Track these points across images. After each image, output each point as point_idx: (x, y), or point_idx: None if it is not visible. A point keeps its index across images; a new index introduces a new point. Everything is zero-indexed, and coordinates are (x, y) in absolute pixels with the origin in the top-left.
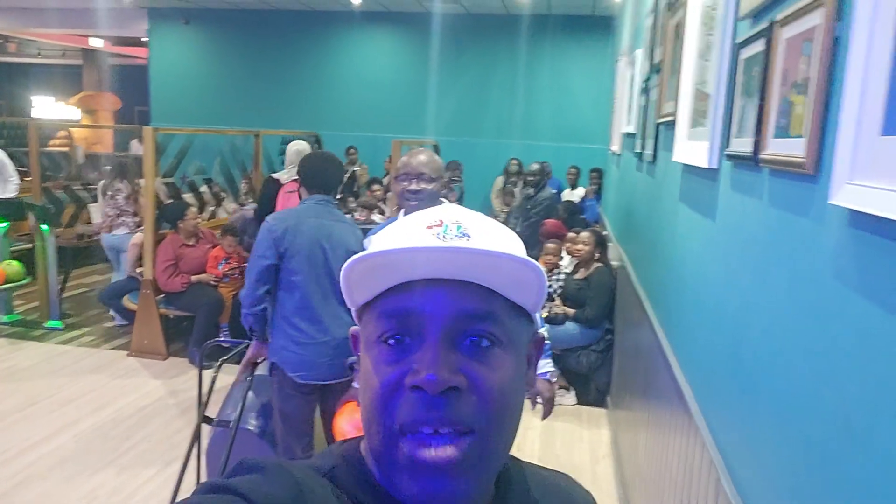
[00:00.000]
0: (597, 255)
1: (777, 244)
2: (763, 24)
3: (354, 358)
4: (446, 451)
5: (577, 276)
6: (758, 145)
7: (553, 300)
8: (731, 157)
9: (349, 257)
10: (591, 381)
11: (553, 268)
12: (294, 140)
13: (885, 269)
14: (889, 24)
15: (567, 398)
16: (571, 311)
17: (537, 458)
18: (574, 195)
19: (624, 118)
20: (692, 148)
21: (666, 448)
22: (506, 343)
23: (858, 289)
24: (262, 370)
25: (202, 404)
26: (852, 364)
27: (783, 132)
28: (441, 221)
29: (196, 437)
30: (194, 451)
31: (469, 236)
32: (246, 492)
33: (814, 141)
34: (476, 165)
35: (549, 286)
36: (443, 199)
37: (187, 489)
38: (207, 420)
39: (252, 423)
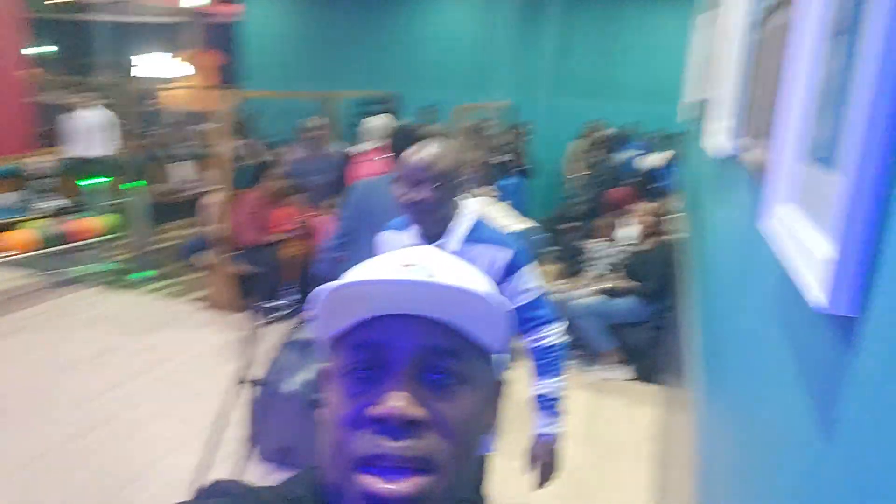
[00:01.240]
0: (661, 227)
1: (746, 256)
2: (760, 12)
3: (318, 396)
4: (403, 486)
5: (639, 248)
6: (743, 143)
7: (612, 272)
8: (732, 150)
9: None
10: (648, 358)
11: (610, 236)
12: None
13: (791, 316)
14: (817, 29)
15: (620, 373)
16: (630, 284)
17: (580, 433)
18: (656, 160)
19: (691, 86)
20: (715, 132)
21: (680, 435)
22: (468, 381)
23: (780, 322)
24: (308, 333)
25: (244, 364)
26: (770, 395)
27: (759, 133)
28: (414, 264)
29: (232, 396)
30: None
31: (435, 277)
32: None
33: (765, 151)
34: (556, 127)
35: (609, 257)
36: (467, 201)
37: (228, 442)
38: (248, 380)
39: (296, 383)
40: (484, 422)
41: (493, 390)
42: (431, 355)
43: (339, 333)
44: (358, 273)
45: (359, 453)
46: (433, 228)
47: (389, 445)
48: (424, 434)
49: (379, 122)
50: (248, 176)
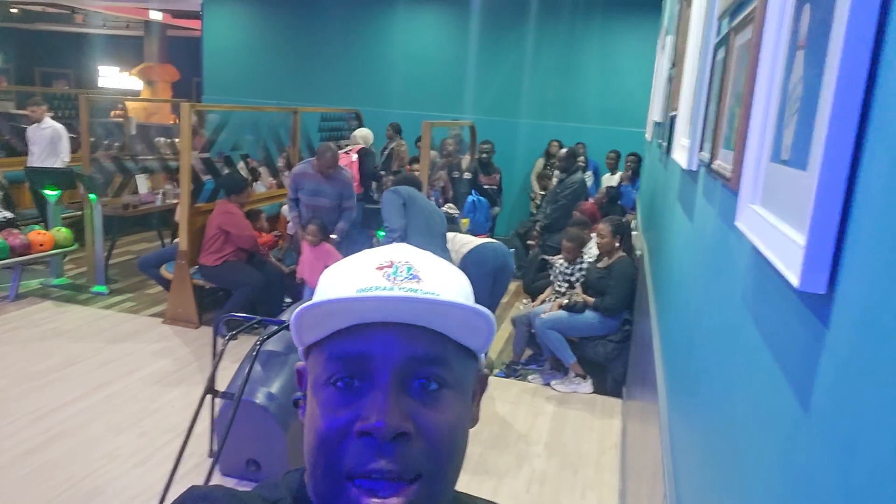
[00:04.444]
0: (618, 244)
1: (720, 256)
2: (725, 29)
3: (300, 394)
4: (393, 502)
5: (599, 265)
6: (713, 154)
7: (573, 287)
8: (701, 162)
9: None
10: (608, 371)
11: (573, 259)
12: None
13: (768, 302)
14: (782, 46)
15: (583, 386)
16: (591, 299)
17: (545, 444)
18: (612, 180)
19: (655, 106)
20: (684, 146)
21: (647, 443)
22: (453, 385)
23: (755, 314)
24: (272, 346)
25: (212, 376)
26: (746, 382)
27: (728, 143)
28: (391, 262)
29: (200, 407)
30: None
31: (419, 278)
32: None
33: (739, 157)
34: (517, 146)
35: (572, 274)
36: None
37: (189, 457)
38: (214, 392)
39: (259, 397)
40: (469, 420)
41: (477, 387)
42: (416, 363)
43: (317, 341)
44: (335, 278)
45: (346, 468)
46: None
47: (377, 461)
48: (412, 444)
49: (364, 131)
50: (211, 189)
